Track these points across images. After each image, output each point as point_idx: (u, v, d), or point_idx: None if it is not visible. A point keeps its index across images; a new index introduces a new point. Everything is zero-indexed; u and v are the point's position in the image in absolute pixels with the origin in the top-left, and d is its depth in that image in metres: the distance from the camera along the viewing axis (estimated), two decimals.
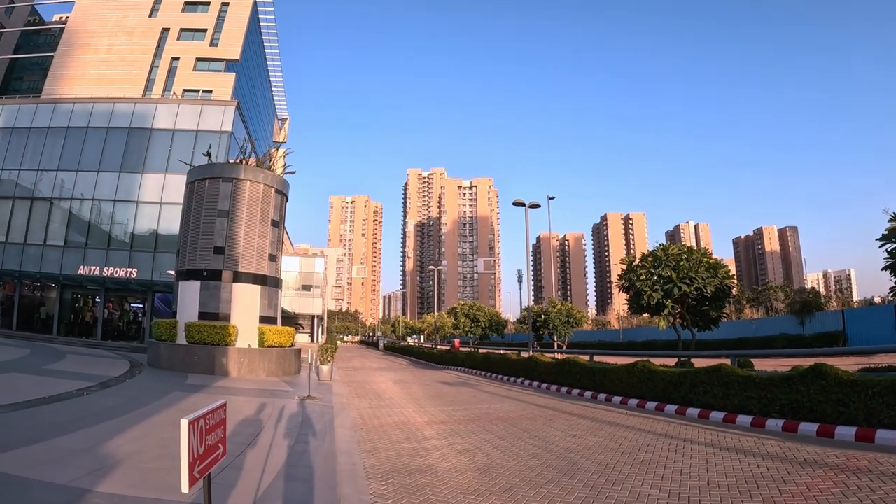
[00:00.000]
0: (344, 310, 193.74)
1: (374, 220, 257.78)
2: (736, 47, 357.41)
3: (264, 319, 22.36)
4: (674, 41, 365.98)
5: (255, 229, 22.44)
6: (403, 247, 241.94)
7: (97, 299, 36.29)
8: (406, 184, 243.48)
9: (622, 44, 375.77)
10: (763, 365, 15.29)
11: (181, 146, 33.09)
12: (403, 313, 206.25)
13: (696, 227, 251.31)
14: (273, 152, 25.28)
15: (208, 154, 24.24)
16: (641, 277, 16.39)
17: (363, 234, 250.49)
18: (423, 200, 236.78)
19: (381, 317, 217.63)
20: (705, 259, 16.08)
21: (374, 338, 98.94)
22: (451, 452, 8.13)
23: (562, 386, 17.04)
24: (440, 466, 7.23)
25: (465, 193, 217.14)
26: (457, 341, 41.89)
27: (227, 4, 55.82)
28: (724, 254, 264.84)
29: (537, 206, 24.84)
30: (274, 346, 21.61)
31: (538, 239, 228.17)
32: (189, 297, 21.74)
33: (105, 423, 9.02)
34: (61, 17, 60.97)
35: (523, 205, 24.26)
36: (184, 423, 2.71)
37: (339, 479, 6.47)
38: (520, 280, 72.31)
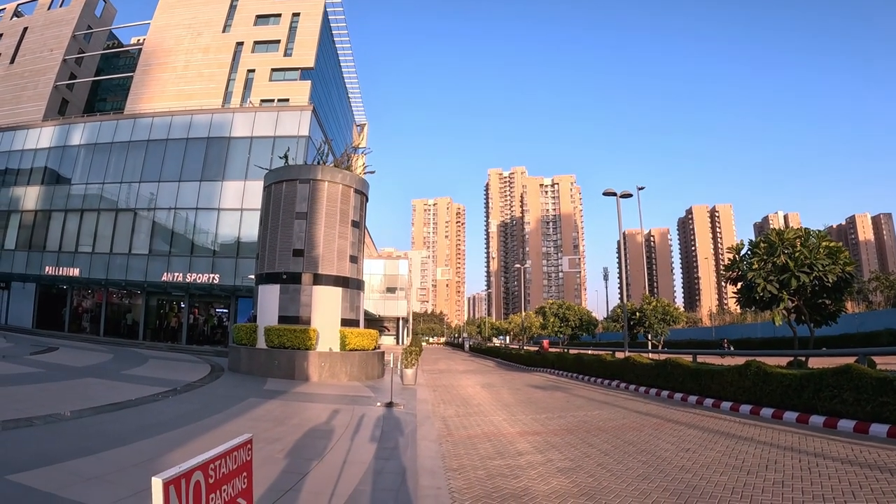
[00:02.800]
0: (429, 312, 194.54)
1: (457, 222, 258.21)
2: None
3: (346, 322, 22.11)
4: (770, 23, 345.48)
5: (335, 230, 22.18)
6: (487, 247, 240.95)
7: (182, 305, 37.68)
8: (487, 184, 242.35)
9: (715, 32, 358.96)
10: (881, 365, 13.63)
11: (259, 153, 33.66)
12: (489, 314, 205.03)
13: (785, 217, 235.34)
14: (350, 153, 24.83)
15: (285, 157, 24.28)
16: (754, 267, 14.56)
17: (446, 236, 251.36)
18: (506, 200, 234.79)
19: (465, 318, 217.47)
20: (825, 243, 14.15)
21: (460, 339, 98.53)
22: (550, 471, 7.14)
23: (662, 390, 15.61)
24: (538, 490, 6.26)
25: (546, 192, 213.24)
26: (546, 342, 40.41)
27: (297, 15, 57.06)
28: None
29: (629, 195, 23.39)
30: (356, 350, 21.27)
31: (623, 235, 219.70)
32: (269, 300, 21.81)
33: (169, 433, 8.66)
34: (138, 40, 64.51)
35: (615, 194, 22.85)
36: (157, 485, 1.79)
37: None
38: (606, 278, 69.83)
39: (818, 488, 5.70)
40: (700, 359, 16.17)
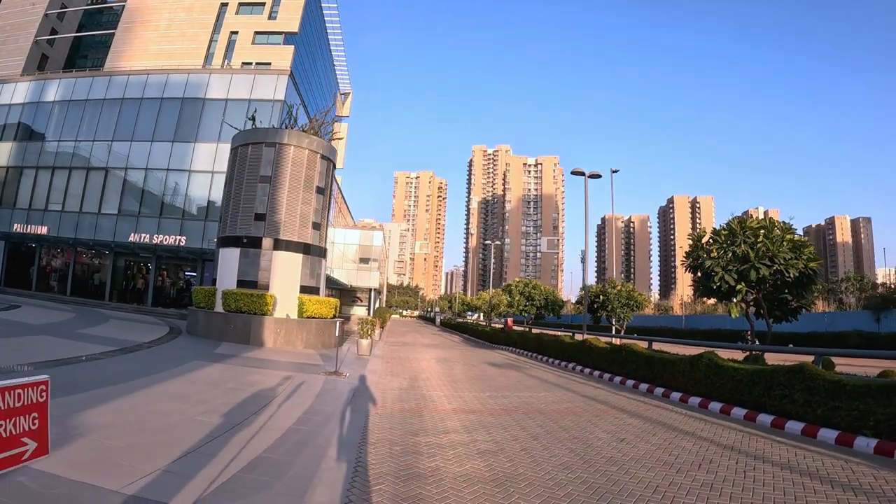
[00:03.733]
0: (405, 285, 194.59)
1: (439, 197, 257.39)
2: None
3: (306, 289, 21.61)
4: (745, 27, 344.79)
5: (299, 196, 21.58)
6: (467, 223, 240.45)
7: (149, 267, 36.82)
8: (471, 160, 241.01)
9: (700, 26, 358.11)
10: (843, 367, 13.30)
11: (234, 116, 32.42)
12: (465, 290, 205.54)
13: (765, 213, 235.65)
14: (317, 117, 24.13)
15: (252, 118, 23.50)
16: (713, 255, 14.07)
17: (427, 210, 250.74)
18: (488, 178, 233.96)
19: (442, 293, 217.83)
20: (788, 236, 13.61)
21: (432, 313, 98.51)
22: (469, 453, 6.75)
23: (616, 375, 15.37)
24: (447, 472, 5.87)
25: (529, 171, 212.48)
26: (510, 320, 40.26)
27: None
28: None
29: (598, 176, 22.90)
30: (314, 318, 20.86)
31: (602, 220, 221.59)
32: (228, 264, 21.24)
33: (98, 390, 8.31)
34: None
35: (583, 174, 22.33)
36: None
37: (316, 480, 5.25)
38: (583, 260, 69.69)
39: (748, 496, 5.33)
40: (658, 346, 15.95)
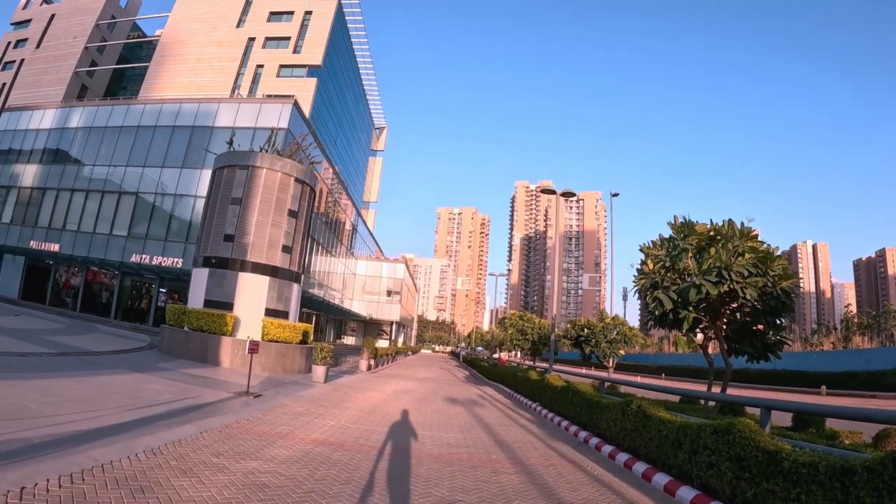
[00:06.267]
0: (443, 321, 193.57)
1: (481, 233, 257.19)
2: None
3: (272, 312, 21.17)
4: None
5: (269, 218, 21.36)
6: (509, 260, 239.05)
7: (154, 287, 37.39)
8: (513, 197, 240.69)
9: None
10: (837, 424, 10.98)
11: (239, 144, 33.26)
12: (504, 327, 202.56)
13: (814, 247, 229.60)
14: (295, 142, 24.16)
15: (230, 142, 23.71)
16: (650, 270, 11.69)
17: (469, 247, 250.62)
18: (531, 214, 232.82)
19: (486, 330, 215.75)
20: (749, 244, 10.74)
21: (459, 349, 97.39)
22: (251, 487, 5.74)
23: (564, 419, 13.75)
24: (192, 496, 4.97)
25: (571, 207, 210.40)
26: (503, 355, 38.95)
27: (310, 13, 57.88)
28: (845, 277, 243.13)
29: (571, 194, 21.61)
30: (276, 342, 20.22)
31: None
32: (198, 284, 21.34)
33: None
34: (161, 33, 66.66)
35: (553, 192, 21.29)
36: None
37: None
38: (625, 298, 67.84)
39: None
40: (627, 389, 14.42)
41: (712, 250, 10.77)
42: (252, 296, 20.73)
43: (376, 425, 11.26)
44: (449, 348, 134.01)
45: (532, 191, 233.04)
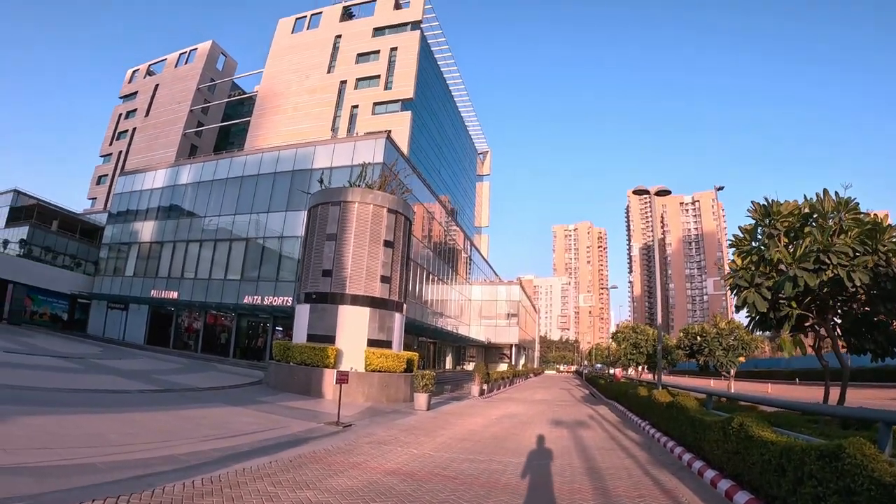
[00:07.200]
0: (568, 340, 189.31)
1: (599, 247, 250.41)
2: None
3: (374, 343, 21.66)
4: None
5: (364, 250, 21.97)
6: (630, 272, 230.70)
7: (269, 325, 39.51)
8: (627, 206, 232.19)
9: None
10: None
11: (336, 182, 34.46)
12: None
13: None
14: (384, 173, 24.74)
15: (321, 181, 24.64)
16: (737, 266, 10.27)
17: (588, 262, 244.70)
18: (646, 222, 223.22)
19: (610, 346, 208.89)
20: (851, 217, 8.94)
21: (581, 367, 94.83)
22: None
23: (671, 439, 12.40)
24: None
25: (687, 210, 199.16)
26: (618, 371, 36.96)
27: (395, 49, 59.89)
28: None
29: (667, 192, 19.98)
30: (378, 371, 20.53)
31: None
32: (301, 320, 22.36)
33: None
34: (258, 88, 72.03)
35: (647, 192, 19.95)
36: None
37: None
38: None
39: None
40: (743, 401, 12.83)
41: (806, 231, 9.26)
42: (353, 327, 21.35)
43: (460, 453, 10.98)
44: (574, 367, 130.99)
45: (645, 198, 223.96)
